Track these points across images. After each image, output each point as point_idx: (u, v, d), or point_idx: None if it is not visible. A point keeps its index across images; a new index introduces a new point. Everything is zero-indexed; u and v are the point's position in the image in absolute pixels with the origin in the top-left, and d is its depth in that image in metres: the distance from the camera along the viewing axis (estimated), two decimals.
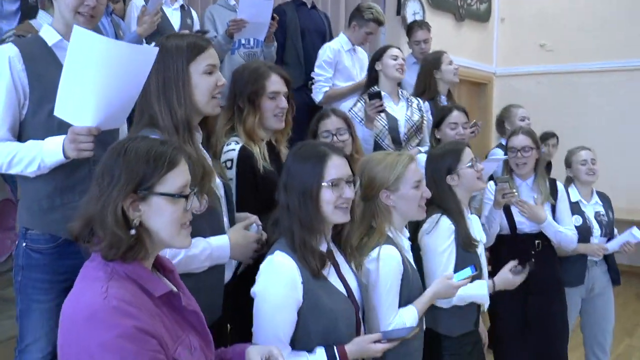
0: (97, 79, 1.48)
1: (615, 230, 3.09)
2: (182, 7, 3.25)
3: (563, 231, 2.71)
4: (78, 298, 1.06)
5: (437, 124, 2.86)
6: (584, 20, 6.45)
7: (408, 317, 1.76)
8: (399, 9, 5.50)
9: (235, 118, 1.98)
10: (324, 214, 1.53)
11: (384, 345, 1.52)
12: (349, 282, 1.60)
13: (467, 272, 1.91)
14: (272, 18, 3.23)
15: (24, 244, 1.74)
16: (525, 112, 3.67)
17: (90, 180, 1.68)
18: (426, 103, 3.25)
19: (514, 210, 2.73)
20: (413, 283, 1.84)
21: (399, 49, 3.17)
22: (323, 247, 1.57)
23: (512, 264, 2.18)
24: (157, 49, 1.53)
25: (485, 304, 2.18)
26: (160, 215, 1.12)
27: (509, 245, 2.70)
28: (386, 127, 2.94)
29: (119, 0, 3.18)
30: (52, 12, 2.00)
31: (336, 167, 1.54)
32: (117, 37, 2.87)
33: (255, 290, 1.50)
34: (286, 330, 1.48)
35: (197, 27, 3.31)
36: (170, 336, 1.09)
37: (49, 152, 1.61)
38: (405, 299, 1.80)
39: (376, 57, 3.13)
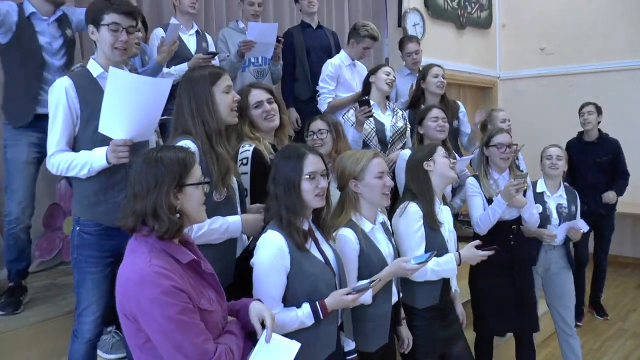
0: (128, 104, 1.95)
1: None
2: (197, 32, 3.70)
3: (535, 212, 3.11)
4: (130, 267, 1.46)
5: (420, 121, 3.22)
6: (581, 23, 6.75)
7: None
8: (400, 21, 5.89)
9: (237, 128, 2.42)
10: (305, 201, 1.90)
11: (353, 296, 1.86)
12: (327, 254, 1.98)
13: (424, 257, 2.23)
14: (278, 40, 3.68)
15: (77, 228, 2.16)
16: (506, 115, 3.92)
17: (125, 181, 2.12)
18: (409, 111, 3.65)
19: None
20: (372, 260, 2.19)
21: (392, 68, 3.55)
22: (305, 226, 1.95)
23: (476, 242, 2.52)
24: (170, 81, 2.02)
25: (453, 277, 2.52)
26: (191, 199, 1.54)
27: (493, 231, 3.01)
28: (374, 130, 3.35)
29: (140, 29, 3.62)
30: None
31: (312, 163, 1.91)
32: (142, 61, 3.32)
33: (253, 261, 1.89)
34: (278, 290, 1.84)
35: (212, 48, 3.74)
36: (195, 292, 1.49)
37: (96, 159, 2.04)
38: (367, 273, 2.14)
39: (372, 71, 3.52)
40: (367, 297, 2.11)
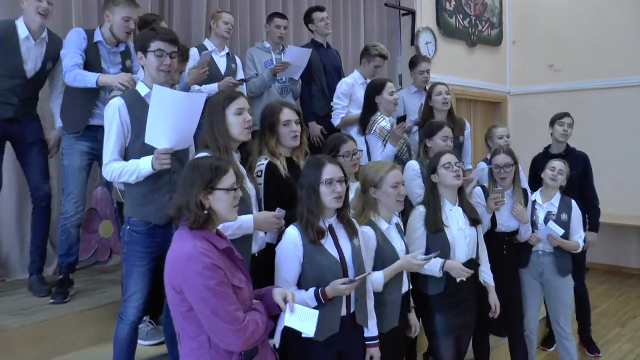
0: (168, 117, 2.28)
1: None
2: (227, 54, 4.07)
3: (529, 229, 3.46)
4: (179, 248, 1.79)
5: (429, 135, 3.44)
6: (590, 41, 7.00)
7: (375, 277, 2.46)
8: (413, 40, 6.21)
9: (262, 142, 2.74)
10: (323, 202, 2.24)
11: (347, 285, 2.16)
12: (344, 250, 2.29)
13: (431, 255, 2.61)
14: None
15: (128, 227, 2.49)
16: (505, 131, 4.11)
17: (169, 184, 2.46)
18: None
19: (496, 213, 3.37)
20: (386, 254, 2.53)
21: (392, 83, 3.77)
22: (324, 225, 2.27)
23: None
24: (205, 95, 2.34)
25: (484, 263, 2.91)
26: (220, 201, 1.86)
27: (489, 239, 3.32)
28: (405, 144, 3.64)
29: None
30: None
31: (330, 171, 2.24)
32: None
33: (276, 248, 2.27)
34: (291, 274, 2.22)
35: (239, 68, 4.11)
36: (229, 272, 1.82)
37: (143, 166, 2.37)
38: (381, 265, 2.50)
39: (376, 91, 3.68)
40: (377, 286, 2.46)
